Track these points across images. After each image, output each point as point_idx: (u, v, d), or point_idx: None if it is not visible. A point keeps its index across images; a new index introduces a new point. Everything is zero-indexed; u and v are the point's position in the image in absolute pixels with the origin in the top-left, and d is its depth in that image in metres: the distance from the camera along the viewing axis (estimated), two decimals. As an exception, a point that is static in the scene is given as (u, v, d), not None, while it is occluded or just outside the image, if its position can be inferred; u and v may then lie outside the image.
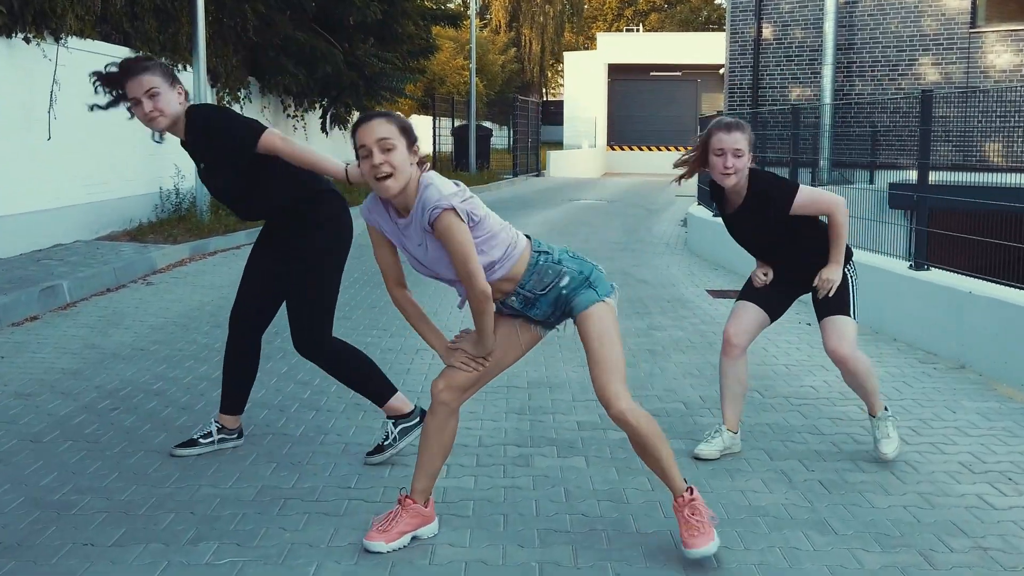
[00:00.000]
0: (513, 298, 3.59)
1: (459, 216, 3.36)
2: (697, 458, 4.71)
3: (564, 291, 3.58)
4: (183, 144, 4.42)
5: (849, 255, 4.74)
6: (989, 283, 6.85)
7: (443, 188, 3.40)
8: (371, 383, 4.62)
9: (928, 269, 7.53)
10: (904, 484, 4.43)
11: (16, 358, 6.49)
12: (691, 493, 3.65)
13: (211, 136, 4.30)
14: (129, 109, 4.26)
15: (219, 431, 4.71)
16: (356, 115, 23.33)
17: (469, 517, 3.97)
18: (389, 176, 3.38)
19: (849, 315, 4.69)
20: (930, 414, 5.55)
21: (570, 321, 3.70)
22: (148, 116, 4.20)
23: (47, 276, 8.67)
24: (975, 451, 4.91)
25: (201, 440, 4.68)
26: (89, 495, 4.11)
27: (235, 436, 4.78)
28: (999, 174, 13.14)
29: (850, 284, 4.70)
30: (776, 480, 4.46)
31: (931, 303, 7.19)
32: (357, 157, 3.46)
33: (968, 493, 4.33)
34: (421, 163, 3.50)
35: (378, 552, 3.57)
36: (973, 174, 12.78)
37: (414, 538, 3.69)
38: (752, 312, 4.80)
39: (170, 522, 3.85)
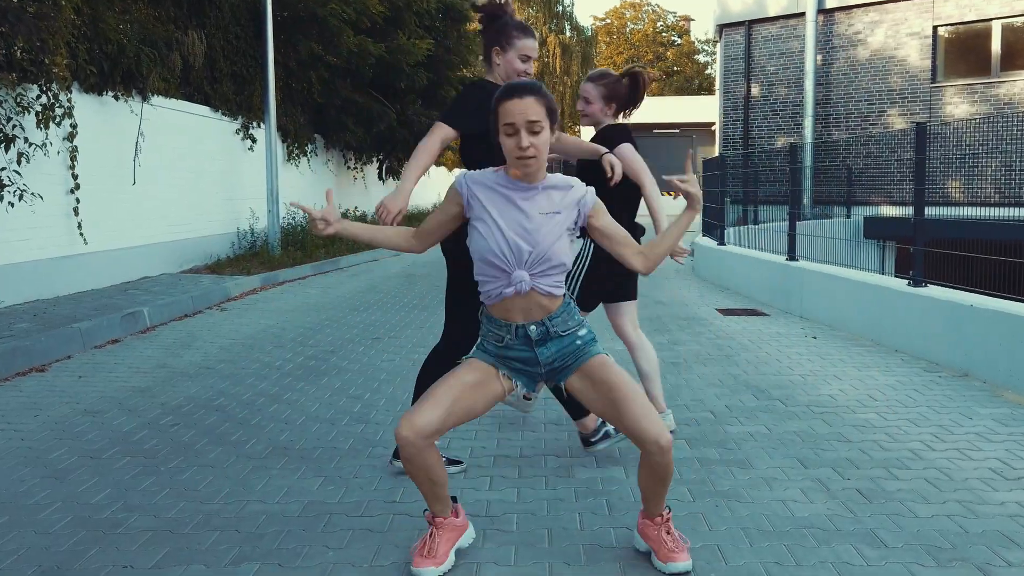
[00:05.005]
0: (533, 327, 2.85)
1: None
2: None
3: (579, 342, 2.90)
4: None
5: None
6: (990, 297, 6.13)
7: None
8: None
9: (925, 286, 6.81)
10: (941, 492, 3.68)
11: (92, 377, 5.82)
12: (669, 511, 3.02)
13: None
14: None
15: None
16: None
17: (513, 532, 3.24)
18: (532, 158, 2.71)
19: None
20: (948, 420, 4.79)
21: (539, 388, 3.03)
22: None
23: (131, 303, 8.01)
24: (1002, 457, 4.15)
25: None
26: (137, 513, 3.42)
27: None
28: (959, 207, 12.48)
29: None
30: (814, 489, 3.72)
31: (931, 317, 6.43)
32: (495, 130, 2.73)
33: (1008, 501, 3.57)
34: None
35: (429, 578, 2.86)
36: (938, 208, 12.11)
37: (457, 552, 3.00)
38: None
39: (214, 541, 3.15)
